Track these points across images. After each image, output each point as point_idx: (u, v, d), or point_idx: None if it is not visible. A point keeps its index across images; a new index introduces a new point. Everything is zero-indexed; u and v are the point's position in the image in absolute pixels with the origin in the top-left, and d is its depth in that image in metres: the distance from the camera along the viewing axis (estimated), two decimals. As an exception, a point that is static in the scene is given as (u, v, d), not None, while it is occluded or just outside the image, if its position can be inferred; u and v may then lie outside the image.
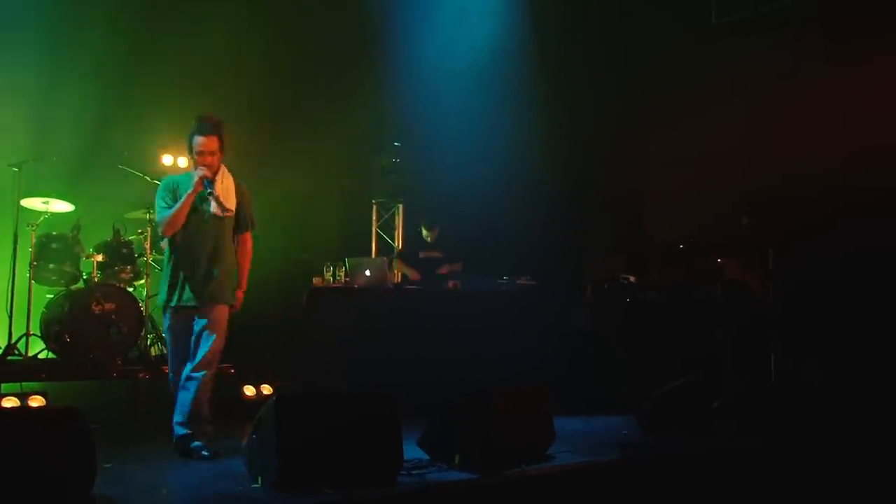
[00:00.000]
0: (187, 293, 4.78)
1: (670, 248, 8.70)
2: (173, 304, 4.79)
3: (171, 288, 4.79)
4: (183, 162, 8.29)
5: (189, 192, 4.69)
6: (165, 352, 7.00)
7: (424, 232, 7.95)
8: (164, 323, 4.92)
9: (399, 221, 9.36)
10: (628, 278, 7.92)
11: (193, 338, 4.81)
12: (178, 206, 4.69)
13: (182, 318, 4.81)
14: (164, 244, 5.04)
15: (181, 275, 4.77)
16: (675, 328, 7.22)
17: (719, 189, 8.48)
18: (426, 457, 4.67)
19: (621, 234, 8.95)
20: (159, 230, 4.81)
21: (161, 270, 7.16)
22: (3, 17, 6.77)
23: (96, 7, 7.11)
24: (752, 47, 8.40)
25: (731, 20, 8.44)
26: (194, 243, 4.81)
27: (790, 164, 7.96)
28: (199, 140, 4.74)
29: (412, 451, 4.64)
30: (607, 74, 9.00)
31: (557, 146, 8.86)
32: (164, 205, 4.74)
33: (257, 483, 4.01)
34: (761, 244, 7.48)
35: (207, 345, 4.82)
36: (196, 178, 4.70)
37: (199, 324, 4.82)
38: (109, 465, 4.48)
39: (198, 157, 4.74)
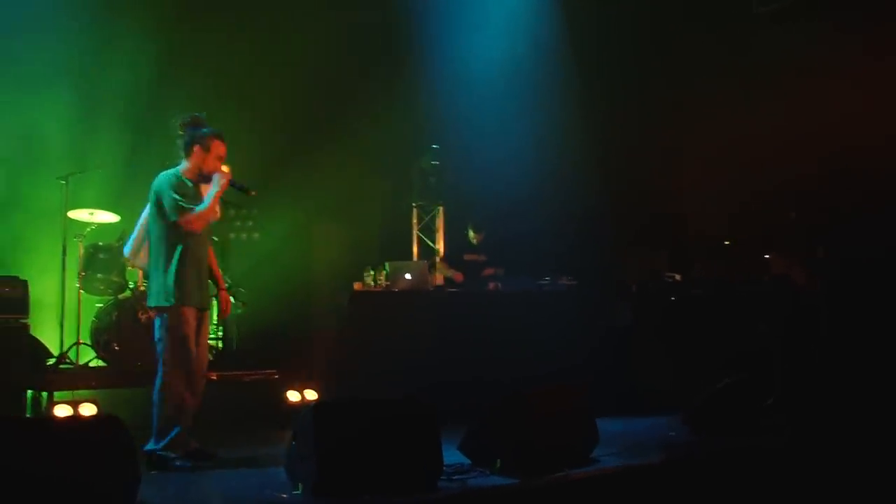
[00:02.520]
0: (197, 294, 4.77)
1: (714, 244, 8.57)
2: (190, 303, 4.71)
3: (184, 287, 4.68)
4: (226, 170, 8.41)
5: (217, 191, 4.74)
6: (210, 358, 7.14)
7: (471, 234, 7.93)
8: (167, 323, 4.67)
9: (439, 224, 9.34)
10: (673, 276, 7.82)
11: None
12: (209, 202, 4.71)
13: (193, 318, 4.76)
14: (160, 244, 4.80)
15: (191, 275, 4.73)
16: (721, 325, 7.10)
17: (763, 182, 8.32)
18: (468, 461, 4.64)
19: (663, 230, 8.82)
20: (190, 226, 4.66)
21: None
22: (44, 35, 6.90)
23: (133, 21, 7.20)
24: (795, 36, 8.22)
25: (772, 9, 8.27)
26: (203, 244, 4.85)
27: (837, 155, 7.77)
28: (222, 146, 4.84)
29: (454, 456, 4.64)
30: (642, 68, 8.87)
31: (594, 144, 8.78)
32: (185, 202, 4.66)
33: (298, 490, 4.03)
34: (808, 238, 7.32)
35: (206, 353, 4.94)
36: (223, 180, 4.77)
37: (202, 330, 4.86)
38: (155, 472, 4.58)
39: (218, 161, 4.81)
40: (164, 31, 7.39)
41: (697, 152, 9.23)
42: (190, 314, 4.70)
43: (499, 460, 4.53)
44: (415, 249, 9.31)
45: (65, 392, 6.02)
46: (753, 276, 7.84)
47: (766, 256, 7.88)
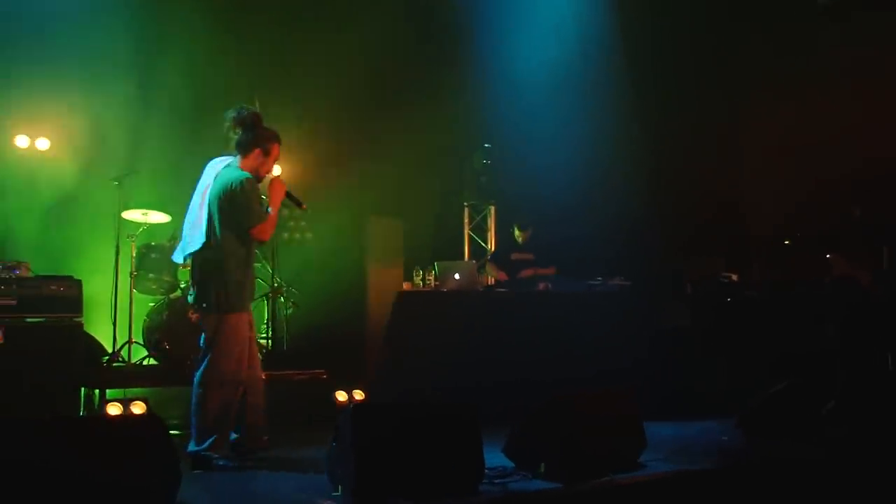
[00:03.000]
0: (248, 298, 4.83)
1: (773, 244, 8.32)
2: (244, 309, 4.74)
3: (241, 293, 4.67)
4: (275, 170, 8.48)
5: (277, 201, 4.71)
6: (260, 358, 7.19)
7: (517, 233, 7.85)
8: (222, 329, 4.62)
9: (491, 223, 9.28)
10: (729, 276, 7.61)
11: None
12: (274, 213, 4.69)
13: (246, 323, 4.78)
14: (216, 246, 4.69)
15: (248, 280, 4.74)
16: (780, 327, 6.87)
17: (825, 179, 8.05)
18: (511, 464, 4.56)
19: (720, 230, 8.60)
20: (261, 235, 4.62)
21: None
22: (94, 40, 7.03)
23: (182, 20, 7.29)
24: (856, 28, 7.94)
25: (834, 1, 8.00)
26: (254, 249, 4.84)
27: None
28: (278, 147, 4.80)
29: (498, 459, 4.56)
30: (697, 66, 8.67)
31: (648, 143, 8.62)
32: (259, 209, 4.63)
33: (337, 492, 4.00)
34: (873, 237, 7.06)
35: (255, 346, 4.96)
36: (280, 188, 4.74)
37: (251, 331, 4.89)
38: (199, 471, 4.60)
39: (275, 162, 4.79)
40: (214, 29, 7.46)
41: (755, 150, 9.02)
42: (244, 319, 4.71)
43: (543, 464, 4.43)
44: (466, 249, 9.28)
45: (117, 390, 6.13)
46: (814, 276, 7.59)
47: (828, 256, 7.62)
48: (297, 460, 4.94)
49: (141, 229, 6.95)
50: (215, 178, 4.69)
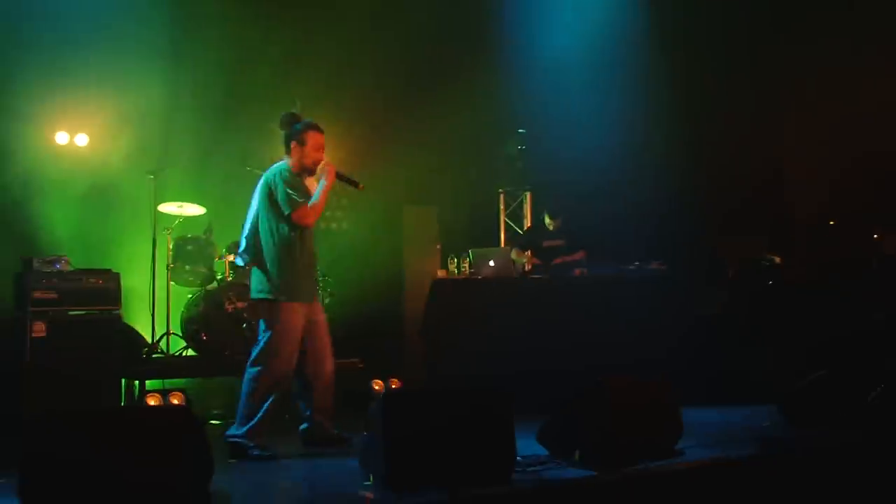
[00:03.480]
0: (305, 288, 4.81)
1: (818, 224, 8.13)
2: (298, 298, 4.74)
3: (292, 282, 4.72)
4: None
5: (327, 183, 4.76)
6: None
7: (547, 220, 7.77)
8: (274, 318, 4.70)
9: (527, 210, 9.20)
10: (772, 259, 7.43)
11: (308, 335, 4.83)
12: (321, 196, 4.72)
13: (300, 314, 4.77)
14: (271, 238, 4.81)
15: (301, 269, 4.77)
16: (825, 310, 6.69)
17: (874, 155, 7.82)
18: (545, 452, 4.51)
19: (762, 211, 8.41)
20: (304, 220, 4.69)
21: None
22: (129, 37, 7.10)
23: (213, 13, 7.32)
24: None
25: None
26: (311, 237, 4.89)
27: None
28: (319, 136, 4.84)
29: (533, 447, 4.52)
30: (740, 45, 8.47)
31: (686, 124, 8.45)
32: (298, 196, 4.69)
33: (369, 481, 3.99)
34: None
35: (328, 338, 4.92)
36: (331, 174, 4.78)
37: (315, 320, 4.88)
38: (234, 461, 4.63)
39: (318, 151, 4.82)
40: (247, 22, 7.49)
41: (797, 127, 8.80)
42: (297, 309, 4.72)
43: (577, 452, 4.38)
44: (502, 236, 9.22)
45: (156, 381, 6.21)
46: (862, 257, 7.40)
47: (876, 237, 7.41)
48: (328, 449, 4.93)
49: (177, 222, 7.01)
50: (262, 182, 4.85)
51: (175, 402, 5.85)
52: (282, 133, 4.92)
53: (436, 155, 8.26)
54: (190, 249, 6.91)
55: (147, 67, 7.12)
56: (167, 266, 6.88)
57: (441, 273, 7.14)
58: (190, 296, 7.02)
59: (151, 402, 5.83)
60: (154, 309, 6.84)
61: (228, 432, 4.79)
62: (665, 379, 4.80)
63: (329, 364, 4.93)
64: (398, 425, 3.91)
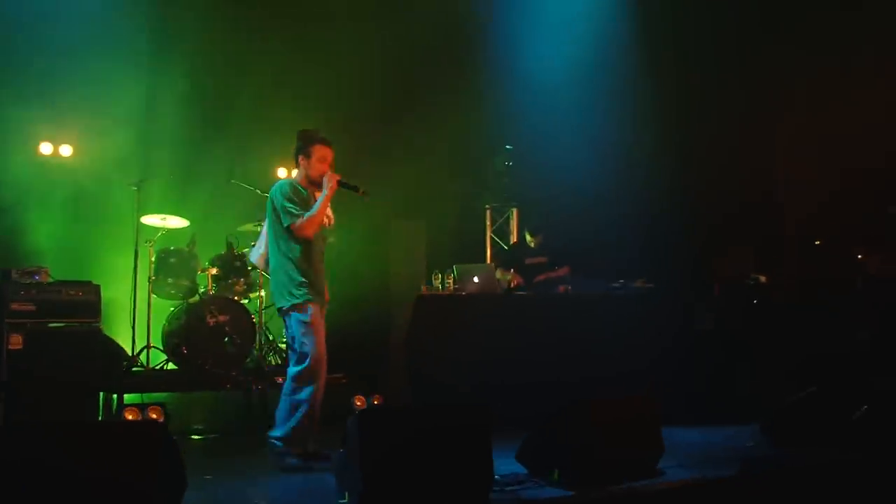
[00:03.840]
0: (317, 291, 4.88)
1: (804, 243, 8.13)
2: (314, 298, 4.83)
3: (308, 285, 4.82)
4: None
5: (327, 194, 4.84)
6: (276, 363, 7.18)
7: (528, 238, 7.78)
8: (303, 319, 4.79)
9: (513, 226, 9.18)
10: (758, 278, 7.42)
11: None
12: (319, 207, 4.80)
13: (320, 313, 4.87)
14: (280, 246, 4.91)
15: (311, 274, 4.86)
16: (809, 329, 6.67)
17: (860, 175, 7.82)
18: (524, 471, 4.47)
19: (749, 229, 8.39)
20: (301, 231, 4.78)
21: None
22: (113, 49, 7.08)
23: (198, 27, 7.32)
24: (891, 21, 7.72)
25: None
26: (318, 245, 4.96)
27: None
28: (325, 149, 4.95)
29: (512, 465, 4.48)
30: (724, 53, 8.48)
31: (676, 139, 8.45)
32: (295, 208, 4.79)
33: (344, 499, 3.93)
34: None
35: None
36: (332, 183, 4.85)
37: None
38: (209, 476, 4.57)
39: (322, 163, 4.92)
40: (230, 33, 7.48)
41: (784, 146, 8.81)
42: (316, 308, 4.83)
43: (556, 471, 4.34)
44: (488, 251, 9.18)
45: (135, 395, 6.13)
46: (846, 276, 7.39)
47: (860, 256, 7.41)
48: (307, 464, 4.86)
49: (159, 234, 6.96)
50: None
51: (153, 416, 5.76)
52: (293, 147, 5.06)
53: (423, 170, 8.22)
54: (172, 262, 6.86)
55: (131, 79, 7.11)
56: (149, 278, 6.82)
57: (425, 289, 7.10)
58: (172, 309, 6.95)
59: (129, 416, 5.73)
60: (135, 322, 6.76)
61: (272, 433, 4.88)
62: (648, 396, 4.76)
63: (323, 378, 4.93)
64: (374, 442, 3.85)
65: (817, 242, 8.25)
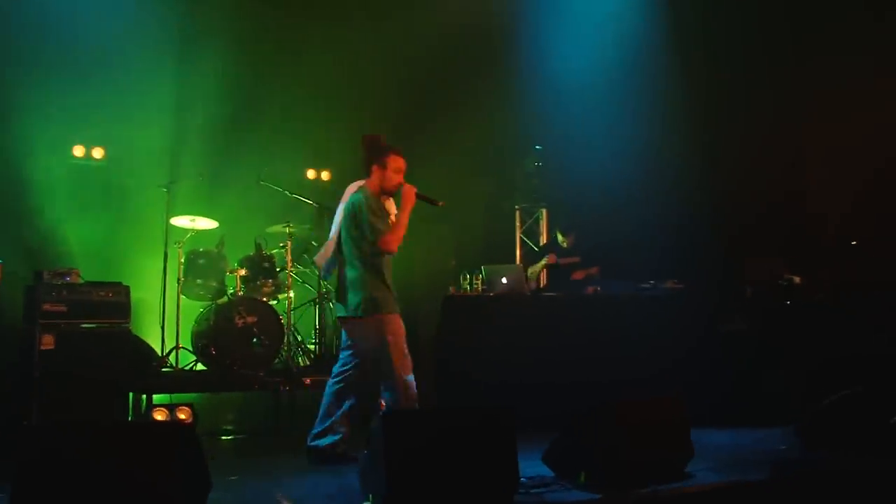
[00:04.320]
0: (395, 301, 4.92)
1: (840, 244, 7.97)
2: (396, 310, 4.88)
3: (388, 297, 4.86)
4: (326, 175, 8.49)
5: (407, 208, 4.85)
6: (304, 364, 7.20)
7: (560, 238, 7.72)
8: (390, 331, 4.82)
9: (543, 226, 9.13)
10: (792, 279, 7.28)
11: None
12: (403, 222, 4.82)
13: (400, 323, 4.91)
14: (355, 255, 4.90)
15: (390, 285, 4.90)
16: (845, 332, 6.53)
17: (893, 175, 7.67)
18: (550, 473, 4.42)
19: (783, 230, 8.25)
20: (387, 246, 4.79)
21: (302, 281, 7.43)
22: (143, 51, 7.16)
23: (224, 28, 7.36)
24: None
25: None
26: (389, 259, 4.97)
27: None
28: (400, 160, 4.96)
29: (539, 468, 4.43)
30: (757, 60, 8.36)
31: (705, 140, 8.34)
32: (381, 223, 4.80)
33: (368, 501, 3.91)
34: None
35: None
36: (411, 196, 4.88)
37: None
38: (235, 477, 4.59)
39: (398, 174, 4.93)
40: (256, 32, 7.53)
41: (821, 145, 8.65)
42: (399, 319, 4.88)
43: (583, 473, 4.29)
44: (518, 252, 9.13)
45: (164, 395, 6.18)
46: (883, 278, 7.22)
47: (897, 256, 7.25)
48: (333, 466, 4.87)
49: (188, 235, 7.01)
50: (346, 203, 4.94)
51: (182, 416, 5.82)
52: (362, 155, 5.02)
53: (452, 171, 8.17)
54: (201, 263, 6.90)
55: (161, 80, 7.17)
56: (178, 279, 6.87)
57: (453, 289, 7.08)
58: (201, 310, 7.00)
59: (158, 416, 5.80)
60: (164, 322, 6.82)
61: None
62: (676, 397, 4.68)
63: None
64: (398, 444, 3.83)
65: (854, 243, 8.08)
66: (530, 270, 7.49)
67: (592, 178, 8.33)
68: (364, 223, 4.76)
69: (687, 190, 8.32)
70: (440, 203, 5.00)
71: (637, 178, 8.26)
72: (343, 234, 4.91)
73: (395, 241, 4.78)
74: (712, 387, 6.19)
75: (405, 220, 4.81)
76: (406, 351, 4.85)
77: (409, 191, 4.86)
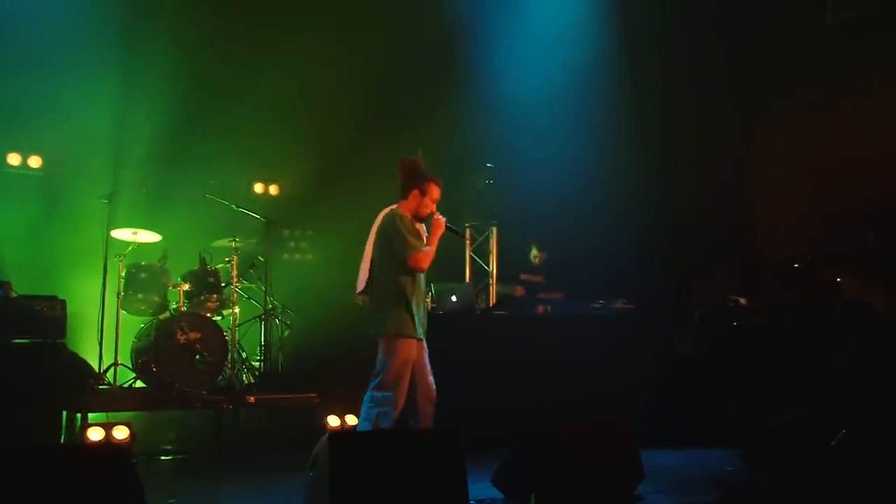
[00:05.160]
0: (420, 325, 4.94)
1: (783, 266, 8.08)
2: (416, 335, 4.90)
3: (409, 320, 4.87)
4: (274, 190, 8.34)
5: (438, 235, 5.01)
6: (249, 382, 7.03)
7: (533, 252, 7.68)
8: (392, 351, 4.83)
9: (493, 245, 9.08)
10: (737, 300, 7.36)
11: (415, 368, 4.92)
12: (433, 244, 4.97)
13: (414, 349, 4.91)
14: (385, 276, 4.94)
15: (413, 307, 4.91)
16: (789, 354, 6.61)
17: (838, 200, 7.83)
18: (500, 496, 4.35)
19: (729, 252, 8.36)
20: (417, 265, 4.88)
21: (248, 298, 7.28)
22: (85, 59, 6.97)
23: (168, 42, 7.21)
24: (874, 46, 7.75)
25: (845, 19, 7.80)
26: (422, 279, 5.04)
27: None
28: (437, 189, 5.08)
29: (488, 490, 4.37)
30: (705, 81, 8.48)
31: (654, 161, 8.40)
32: (417, 242, 4.91)
33: (311, 524, 3.79)
34: (887, 259, 6.83)
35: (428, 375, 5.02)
36: (440, 226, 5.01)
37: (422, 355, 5.00)
38: (174, 500, 4.43)
39: (434, 203, 5.07)
40: (202, 44, 7.37)
41: (766, 168, 8.80)
42: (412, 345, 4.89)
43: (533, 495, 4.23)
44: (467, 270, 9.07)
45: (99, 414, 5.95)
46: (825, 300, 7.34)
47: (839, 280, 7.37)
48: (276, 488, 4.75)
49: (130, 248, 6.80)
50: (379, 224, 5.04)
51: (119, 436, 5.61)
52: (399, 176, 5.11)
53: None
54: (143, 277, 6.71)
55: (103, 89, 6.97)
56: (118, 294, 6.65)
57: (403, 307, 6.97)
58: (142, 325, 6.80)
59: (94, 435, 5.58)
60: (102, 338, 6.59)
61: None
62: (627, 419, 4.65)
63: (430, 403, 4.99)
64: (344, 466, 3.72)
65: (796, 265, 8.21)
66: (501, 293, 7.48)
67: (543, 197, 8.33)
68: (398, 239, 4.84)
69: (637, 210, 8.37)
70: (462, 236, 5.04)
71: (588, 198, 8.29)
72: (374, 254, 5.00)
73: (425, 260, 4.90)
74: (661, 407, 6.21)
75: (434, 246, 4.98)
76: (400, 380, 4.82)
77: (439, 221, 5.02)
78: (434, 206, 5.05)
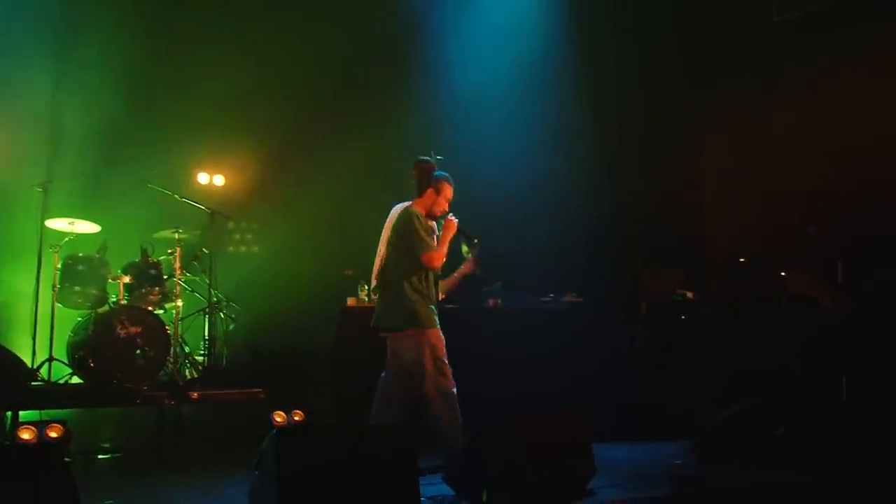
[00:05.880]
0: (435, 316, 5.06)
1: (730, 261, 8.18)
2: (435, 325, 5.01)
3: (429, 311, 5.02)
4: (219, 180, 8.12)
5: (449, 235, 5.12)
6: (192, 377, 6.84)
7: (464, 249, 7.59)
8: (429, 343, 4.92)
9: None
10: (684, 294, 7.43)
11: None
12: (446, 244, 5.09)
13: (440, 337, 5.01)
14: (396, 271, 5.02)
15: (427, 302, 5.04)
16: (735, 347, 6.69)
17: (783, 197, 7.97)
18: (452, 493, 4.29)
19: (677, 246, 8.42)
20: (430, 263, 5.00)
21: (191, 291, 7.09)
22: (14, 41, 6.67)
23: (105, 24, 6.95)
24: (821, 44, 7.89)
25: (791, 17, 7.92)
26: (430, 277, 5.13)
27: (861, 168, 7.41)
28: (451, 189, 5.21)
29: (439, 487, 4.32)
30: (658, 76, 8.54)
31: (605, 155, 8.43)
32: (431, 239, 5.04)
33: (257, 524, 3.67)
34: (830, 255, 6.94)
35: None
36: (452, 227, 5.13)
37: None
38: (111, 502, 4.26)
39: (447, 202, 5.19)
40: (143, 24, 7.12)
41: (715, 164, 8.91)
42: (439, 333, 5.01)
43: (485, 492, 4.16)
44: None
45: (32, 412, 5.71)
46: (771, 295, 7.44)
47: (783, 274, 7.48)
48: (221, 486, 4.62)
49: (66, 239, 6.53)
50: (393, 221, 5.15)
51: (53, 434, 5.34)
52: (415, 175, 5.25)
53: (350, 180, 7.99)
54: (81, 269, 6.45)
55: (37, 72, 6.68)
56: (53, 286, 6.39)
57: (351, 301, 6.87)
58: (79, 318, 6.54)
59: (25, 434, 5.30)
60: (36, 332, 6.31)
61: None
62: (579, 414, 4.62)
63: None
64: (291, 464, 3.61)
65: (741, 260, 8.32)
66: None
67: (493, 189, 8.27)
68: (413, 236, 4.95)
69: (588, 203, 8.37)
70: (475, 239, 5.27)
71: (538, 190, 8.27)
72: (388, 250, 5.09)
73: (438, 258, 5.02)
74: (610, 401, 6.22)
75: (446, 245, 5.08)
76: (443, 366, 4.94)
77: (451, 222, 5.13)
78: (447, 205, 5.17)
